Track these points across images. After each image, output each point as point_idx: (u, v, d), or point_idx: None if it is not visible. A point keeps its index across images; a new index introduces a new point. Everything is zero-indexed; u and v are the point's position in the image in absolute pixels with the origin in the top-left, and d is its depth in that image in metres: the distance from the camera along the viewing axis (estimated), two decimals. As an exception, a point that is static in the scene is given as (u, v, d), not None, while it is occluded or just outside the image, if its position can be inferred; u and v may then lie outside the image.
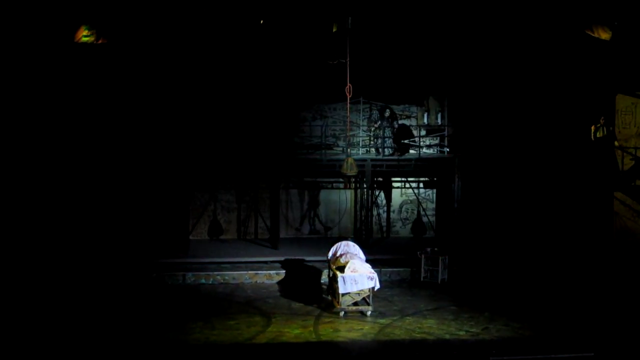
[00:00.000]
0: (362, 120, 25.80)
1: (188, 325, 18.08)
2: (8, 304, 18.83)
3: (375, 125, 25.63)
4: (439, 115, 25.98)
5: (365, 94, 25.39)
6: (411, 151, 25.85)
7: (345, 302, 19.06)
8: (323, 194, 26.88)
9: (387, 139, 25.22)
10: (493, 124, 24.69)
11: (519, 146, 24.70)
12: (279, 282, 22.23)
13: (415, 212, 27.06)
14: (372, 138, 25.73)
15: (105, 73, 23.15)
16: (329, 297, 20.32)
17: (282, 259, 23.51)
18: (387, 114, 25.62)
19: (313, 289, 21.64)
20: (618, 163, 20.55)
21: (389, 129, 25.31)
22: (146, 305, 19.89)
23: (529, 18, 21.08)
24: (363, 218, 25.85)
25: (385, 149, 25.17)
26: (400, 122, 26.22)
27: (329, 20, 22.05)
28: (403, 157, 25.50)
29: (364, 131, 25.70)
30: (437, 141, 26.39)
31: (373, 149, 25.48)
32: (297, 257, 23.57)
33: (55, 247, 20.86)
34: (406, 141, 25.61)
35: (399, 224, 27.09)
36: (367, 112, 26.04)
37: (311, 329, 18.02)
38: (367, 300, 19.22)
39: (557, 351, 14.82)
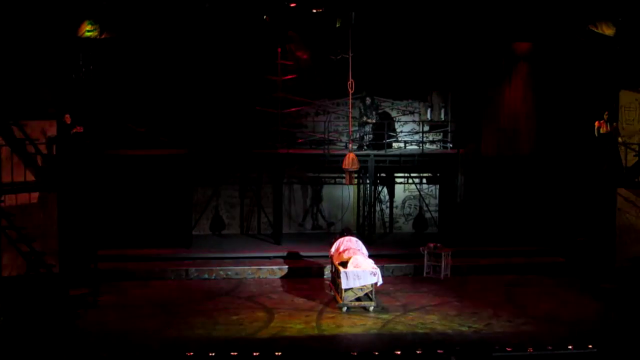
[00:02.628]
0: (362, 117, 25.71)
1: (191, 321, 18.10)
2: None
3: (367, 120, 25.35)
4: (442, 111, 25.94)
5: (368, 90, 25.41)
6: (411, 146, 25.86)
7: (348, 297, 19.07)
8: (326, 189, 26.87)
9: (368, 134, 24.98)
10: (496, 120, 24.64)
11: (522, 142, 24.67)
12: (281, 278, 22.24)
13: (418, 207, 27.04)
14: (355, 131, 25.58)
15: (108, 65, 23.13)
16: (332, 293, 20.33)
17: (285, 254, 23.52)
18: (368, 102, 25.40)
19: (316, 284, 21.65)
20: (622, 159, 20.51)
21: (372, 117, 25.11)
22: (148, 301, 19.93)
23: (533, 13, 21.05)
24: (366, 214, 25.84)
25: (367, 143, 24.94)
26: (390, 114, 26.09)
27: (332, 15, 22.07)
28: (406, 153, 25.52)
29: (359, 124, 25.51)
30: (440, 137, 26.34)
31: (355, 145, 25.36)
32: (299, 253, 23.59)
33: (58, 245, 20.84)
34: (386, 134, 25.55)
35: (402, 219, 27.08)
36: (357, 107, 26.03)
37: (314, 324, 18.04)
38: (370, 295, 19.22)
39: (560, 347, 14.81)
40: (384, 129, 25.01)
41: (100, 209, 23.16)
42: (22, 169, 18.52)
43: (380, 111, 25.73)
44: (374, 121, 25.10)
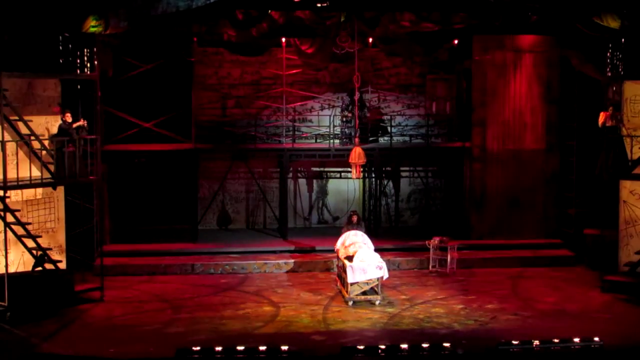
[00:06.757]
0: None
1: (197, 315, 18.13)
2: None
3: (348, 113, 25.17)
4: (448, 104, 25.89)
5: (373, 83, 25.45)
6: (416, 140, 25.89)
7: (354, 291, 19.07)
8: (331, 183, 26.87)
9: (351, 128, 24.72)
10: (501, 113, 24.58)
11: (527, 135, 24.62)
12: (287, 272, 22.26)
13: (424, 201, 27.02)
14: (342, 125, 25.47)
15: (112, 60, 23.12)
16: (338, 287, 20.35)
17: (290, 248, 23.56)
18: (348, 100, 25.23)
19: (322, 278, 21.66)
20: (627, 151, 20.47)
21: (360, 112, 24.94)
22: (154, 296, 19.96)
23: (538, 5, 21.00)
24: (371, 207, 25.84)
25: (350, 137, 24.70)
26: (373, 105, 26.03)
27: (337, 8, 22.06)
28: (411, 147, 25.55)
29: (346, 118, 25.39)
30: (445, 130, 26.33)
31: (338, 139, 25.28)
32: (305, 247, 23.61)
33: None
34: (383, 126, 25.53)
35: (408, 213, 27.06)
36: (340, 100, 25.96)
37: (320, 318, 18.06)
38: (376, 289, 19.23)
39: (566, 339, 14.81)
40: (370, 124, 25.05)
41: (106, 204, 23.22)
42: (28, 164, 18.53)
43: (367, 106, 25.56)
44: (351, 115, 24.86)
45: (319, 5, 21.54)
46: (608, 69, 21.61)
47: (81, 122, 19.42)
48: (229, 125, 25.67)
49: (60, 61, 20.01)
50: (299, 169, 26.63)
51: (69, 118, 19.19)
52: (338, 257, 20.55)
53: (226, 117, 25.86)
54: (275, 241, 24.47)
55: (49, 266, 19.03)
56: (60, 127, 19.16)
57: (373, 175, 25.60)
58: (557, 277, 21.72)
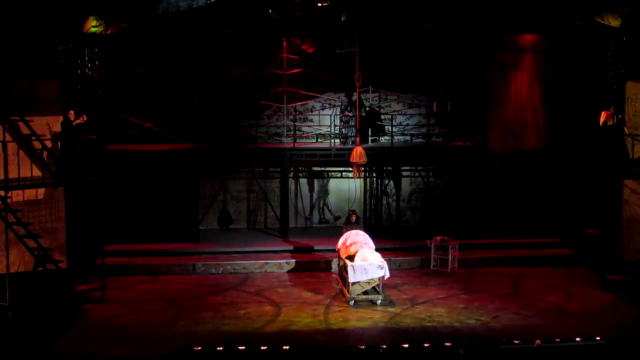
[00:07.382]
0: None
1: (199, 315, 18.13)
2: None
3: (348, 113, 25.09)
4: (449, 104, 25.87)
5: (374, 83, 25.44)
6: (417, 139, 25.87)
7: (355, 291, 19.07)
8: (332, 183, 26.86)
9: (351, 127, 24.70)
10: (502, 113, 24.59)
11: (528, 134, 24.62)
12: (289, 272, 22.25)
13: (425, 200, 27.00)
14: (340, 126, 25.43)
15: (114, 60, 23.11)
16: (339, 286, 20.35)
17: (291, 248, 23.55)
18: (346, 101, 25.28)
19: (323, 278, 21.65)
20: (628, 151, 20.47)
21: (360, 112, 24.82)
22: (155, 296, 19.96)
23: (539, 4, 21.01)
24: (372, 207, 25.83)
25: (350, 137, 24.67)
26: (371, 106, 25.93)
27: (337, 7, 22.05)
28: (412, 146, 25.54)
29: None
30: (446, 130, 26.32)
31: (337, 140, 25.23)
32: (306, 246, 23.60)
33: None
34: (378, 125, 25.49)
35: (409, 212, 27.03)
36: (339, 100, 25.94)
37: (321, 318, 18.06)
38: (377, 289, 19.24)
39: (568, 339, 14.81)
40: (369, 123, 25.00)
41: (107, 204, 23.20)
42: (29, 164, 18.53)
43: (364, 106, 25.48)
44: (351, 114, 24.74)
45: (319, 5, 21.53)
46: (609, 68, 21.61)
47: (81, 120, 19.41)
48: (230, 125, 25.66)
49: (61, 61, 20.03)
50: (300, 168, 26.62)
51: (72, 116, 19.19)
52: (339, 257, 20.56)
53: (227, 117, 25.82)
54: (277, 241, 24.47)
55: (50, 266, 19.02)
56: (63, 125, 19.15)
57: (374, 175, 25.61)
58: (558, 276, 21.72)
